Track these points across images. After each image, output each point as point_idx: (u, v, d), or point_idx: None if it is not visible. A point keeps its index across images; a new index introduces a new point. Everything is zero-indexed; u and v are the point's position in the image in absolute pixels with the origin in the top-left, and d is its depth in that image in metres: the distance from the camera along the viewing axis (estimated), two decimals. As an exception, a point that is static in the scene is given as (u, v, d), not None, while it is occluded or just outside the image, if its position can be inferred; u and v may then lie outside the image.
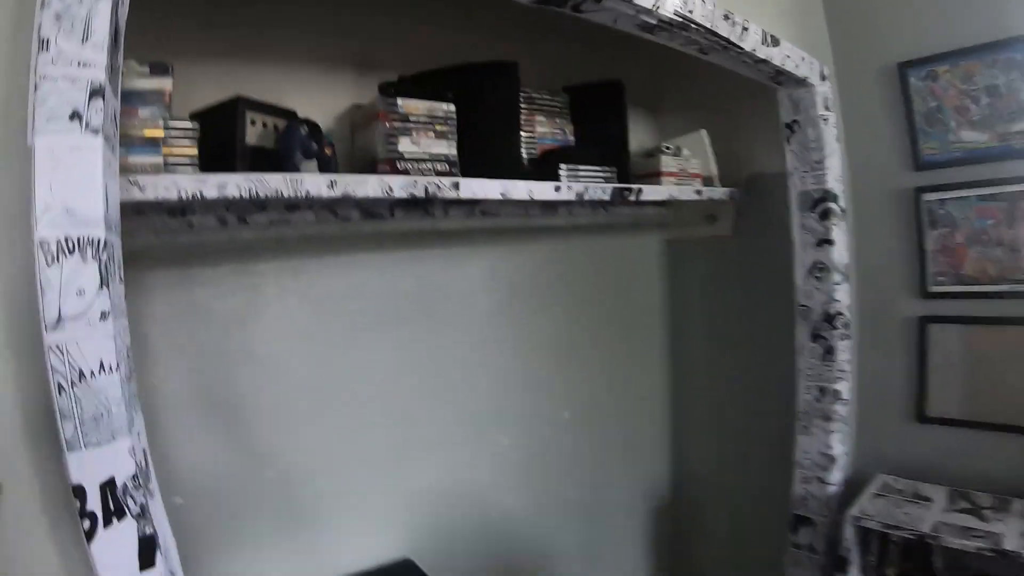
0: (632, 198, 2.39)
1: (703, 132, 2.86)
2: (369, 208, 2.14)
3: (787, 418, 2.75)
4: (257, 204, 1.91)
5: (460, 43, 2.34)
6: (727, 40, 1.97)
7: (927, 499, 2.45)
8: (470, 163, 2.01)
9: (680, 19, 1.81)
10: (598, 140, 2.51)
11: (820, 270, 2.52)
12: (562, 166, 2.25)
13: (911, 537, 2.31)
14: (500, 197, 1.98)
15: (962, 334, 2.52)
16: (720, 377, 3.30)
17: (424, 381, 2.50)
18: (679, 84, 3.19)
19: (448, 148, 1.96)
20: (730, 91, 2.86)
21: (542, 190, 2.10)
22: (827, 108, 2.49)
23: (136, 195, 1.41)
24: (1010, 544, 2.09)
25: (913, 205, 2.55)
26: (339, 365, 2.28)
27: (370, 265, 2.32)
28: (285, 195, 1.60)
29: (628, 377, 3.31)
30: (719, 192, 2.79)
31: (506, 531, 2.90)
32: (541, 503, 3.01)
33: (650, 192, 2.45)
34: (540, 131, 2.43)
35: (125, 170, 1.43)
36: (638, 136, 3.02)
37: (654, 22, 1.80)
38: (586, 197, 2.23)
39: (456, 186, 1.87)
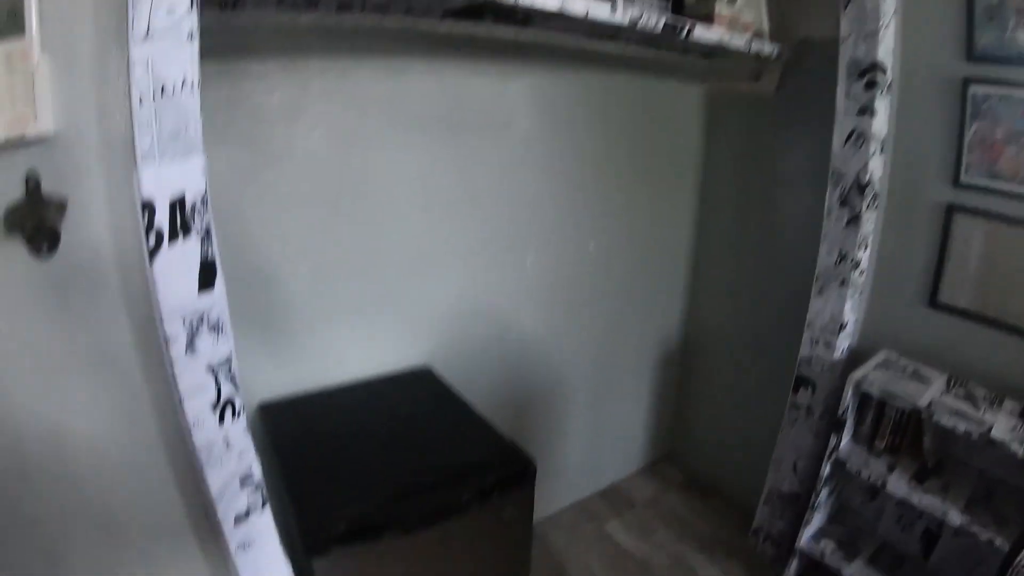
0: (683, 34, 2.35)
1: (759, -17, 2.80)
2: (421, 13, 2.12)
3: (802, 284, 2.80)
4: (310, 1, 1.89)
5: None
6: None
7: (926, 379, 2.51)
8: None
9: None
10: (655, -29, 2.46)
11: (858, 138, 2.52)
12: (618, -14, 2.21)
13: (906, 408, 2.39)
14: (557, 8, 1.94)
15: (986, 228, 2.51)
16: (744, 233, 3.36)
17: (457, 193, 2.54)
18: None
19: (510, -44, 1.93)
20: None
21: (598, 8, 2.06)
22: (891, -19, 2.45)
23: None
24: (999, 433, 2.15)
25: (959, 94, 2.50)
26: (375, 169, 2.30)
27: (416, 72, 2.32)
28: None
29: (654, 221, 3.36)
30: (768, 47, 2.75)
31: (522, 351, 3.00)
32: (558, 329, 3.11)
33: (701, 32, 2.41)
34: (598, -45, 2.37)
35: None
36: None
37: None
38: (639, 25, 2.20)
39: (519, -9, 1.84)
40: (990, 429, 2.17)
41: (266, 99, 2.03)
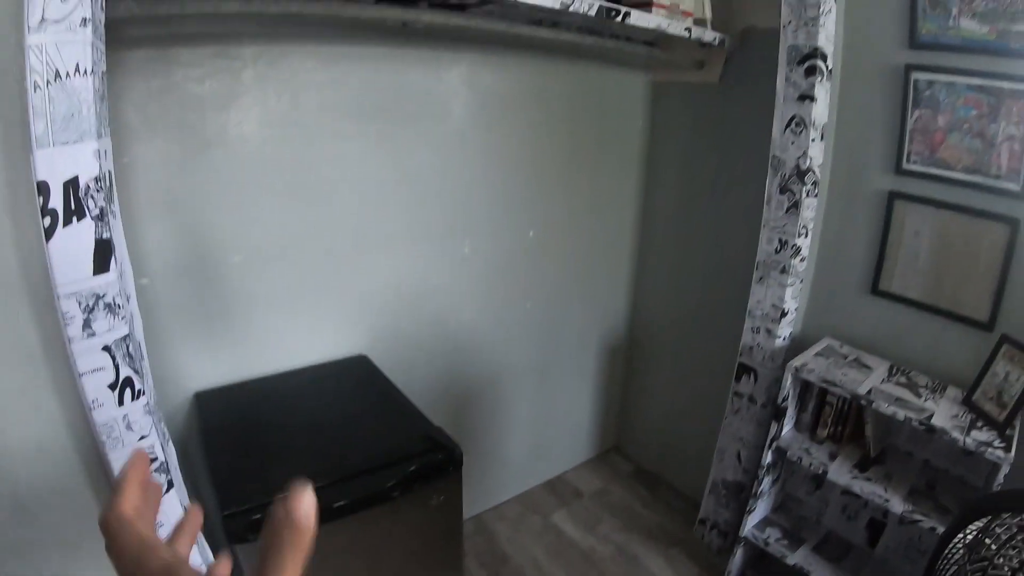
0: (619, 19, 2.33)
1: (702, -29, 2.79)
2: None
3: (746, 272, 2.80)
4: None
5: None
6: None
7: (868, 367, 2.53)
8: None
9: None
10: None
11: (798, 124, 2.52)
12: (551, -30, 2.17)
13: (847, 396, 2.40)
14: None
15: (928, 216, 2.54)
16: (688, 222, 3.35)
17: (393, 180, 2.51)
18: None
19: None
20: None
21: (529, -9, 2.03)
22: (832, -36, 2.44)
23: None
24: (939, 421, 2.18)
25: (901, 81, 2.53)
26: (310, 157, 2.27)
27: (349, 59, 2.29)
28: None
29: (597, 209, 3.34)
30: (710, 35, 2.73)
31: (462, 340, 2.98)
32: (498, 318, 3.09)
33: (638, 18, 2.39)
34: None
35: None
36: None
37: None
38: (572, 8, 2.16)
39: (445, -27, 1.83)
40: (930, 417, 2.19)
41: (197, 87, 2.00)
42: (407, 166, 2.52)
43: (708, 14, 2.74)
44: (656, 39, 2.91)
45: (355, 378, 2.45)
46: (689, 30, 2.61)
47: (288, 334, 2.41)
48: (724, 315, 3.11)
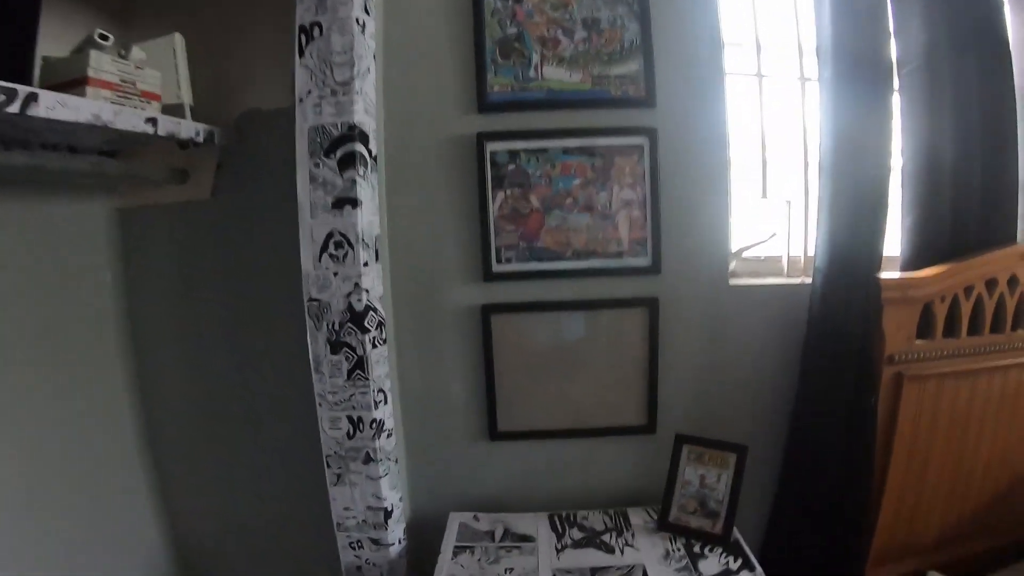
0: (14, 109, 1.33)
1: (176, 36, 1.91)
2: None
3: (320, 458, 1.93)
4: None
5: None
6: None
7: (528, 538, 1.99)
8: None
9: None
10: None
11: (339, 246, 1.72)
12: None
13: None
14: None
15: (540, 324, 2.12)
16: (216, 407, 2.33)
17: None
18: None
19: None
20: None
21: None
22: (368, 12, 1.75)
23: None
24: (655, 571, 1.79)
25: (474, 157, 2.03)
26: None
27: None
28: None
29: (68, 424, 2.12)
30: (189, 127, 1.84)
31: None
32: None
33: (57, 106, 1.41)
34: None
35: None
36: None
37: None
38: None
39: None
40: (645, 572, 1.79)
41: None
42: None
43: (187, 96, 1.86)
44: (118, 146, 1.98)
45: None
46: (154, 121, 1.70)
47: None
48: (309, 515, 2.17)
